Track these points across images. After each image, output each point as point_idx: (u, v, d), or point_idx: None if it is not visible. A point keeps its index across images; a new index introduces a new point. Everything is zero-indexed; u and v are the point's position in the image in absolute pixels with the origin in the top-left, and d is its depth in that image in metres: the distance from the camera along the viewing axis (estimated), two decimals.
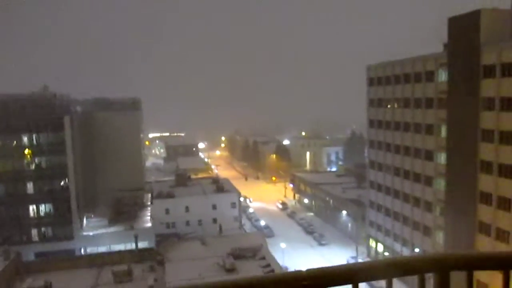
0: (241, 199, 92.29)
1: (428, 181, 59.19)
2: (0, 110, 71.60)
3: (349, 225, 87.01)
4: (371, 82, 73.83)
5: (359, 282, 2.04)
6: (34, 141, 71.50)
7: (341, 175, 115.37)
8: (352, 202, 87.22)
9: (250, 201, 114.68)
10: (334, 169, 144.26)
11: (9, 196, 70.21)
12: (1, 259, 45.57)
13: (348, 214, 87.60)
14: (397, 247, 66.57)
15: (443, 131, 55.87)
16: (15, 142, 70.91)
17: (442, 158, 56.29)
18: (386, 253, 69.60)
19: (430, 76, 58.56)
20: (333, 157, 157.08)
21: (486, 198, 48.12)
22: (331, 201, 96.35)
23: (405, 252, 64.28)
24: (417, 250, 61.75)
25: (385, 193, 70.10)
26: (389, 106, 69.01)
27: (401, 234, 65.80)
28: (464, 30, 50.53)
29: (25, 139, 71.28)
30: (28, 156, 71.13)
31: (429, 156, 58.96)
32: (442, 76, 56.10)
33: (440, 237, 57.11)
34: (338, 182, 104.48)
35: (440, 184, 56.72)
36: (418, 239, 61.38)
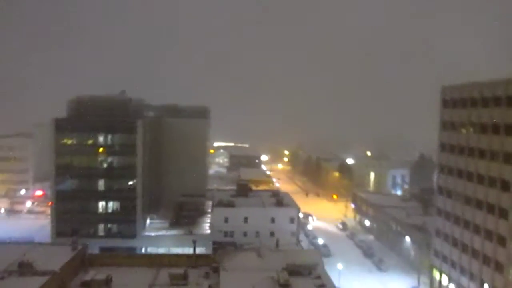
0: (302, 215, 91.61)
1: (503, 213, 54.97)
2: (82, 109, 76.63)
3: (412, 252, 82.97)
4: (445, 103, 70.44)
5: None
6: (108, 141, 75.61)
7: (406, 199, 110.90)
8: (417, 228, 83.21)
9: (313, 219, 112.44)
10: (398, 192, 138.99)
11: (81, 191, 74.54)
12: (69, 249, 48.11)
13: (411, 241, 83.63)
14: (464, 281, 62.29)
15: None
16: (91, 140, 75.38)
17: None
18: (451, 286, 65.40)
19: (511, 100, 54.70)
20: (398, 180, 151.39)
21: None
22: (394, 225, 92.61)
23: (472, 287, 59.99)
24: (486, 286, 57.41)
25: (454, 222, 66.08)
26: (463, 130, 65.34)
27: (469, 267, 61.52)
28: None
29: (101, 138, 75.59)
30: (102, 154, 75.24)
31: (505, 186, 54.82)
32: None
33: None
34: (403, 206, 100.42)
35: None
36: (488, 275, 57.03)
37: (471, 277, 60.75)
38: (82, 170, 74.47)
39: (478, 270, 59.32)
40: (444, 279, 68.10)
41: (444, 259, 68.23)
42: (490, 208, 57.43)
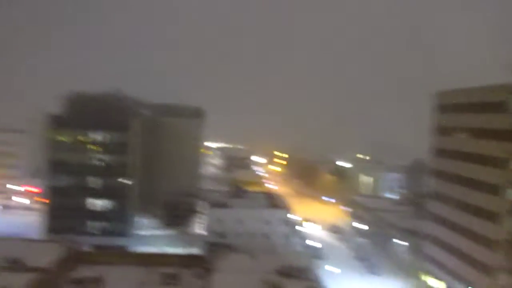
0: (301, 220, 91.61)
1: (494, 218, 55.27)
2: (75, 106, 76.29)
3: (404, 256, 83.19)
4: (439, 109, 70.82)
5: None
6: (102, 139, 75.24)
7: (399, 203, 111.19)
8: (409, 232, 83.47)
9: (312, 225, 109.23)
10: (392, 195, 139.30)
11: (74, 188, 74.12)
12: (61, 246, 47.83)
13: (403, 245, 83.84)
14: (454, 285, 62.58)
15: None
16: (84, 137, 75.02)
17: (510, 194, 52.44)
18: None
19: (503, 106, 55.10)
20: (392, 184, 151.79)
21: None
22: (387, 228, 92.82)
23: None
24: None
25: (445, 227, 66.41)
26: (456, 135, 65.72)
27: (459, 271, 61.82)
28: None
29: (94, 135, 75.23)
30: (95, 152, 74.90)
31: (496, 191, 55.17)
32: None
33: (503, 279, 52.97)
34: (396, 210, 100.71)
35: (508, 222, 52.75)
36: (478, 279, 57.33)
37: (461, 281, 61.05)
38: (75, 167, 74.07)
39: (468, 275, 59.62)
40: (436, 283, 68.37)
41: (435, 263, 68.50)
42: (481, 212, 57.79)
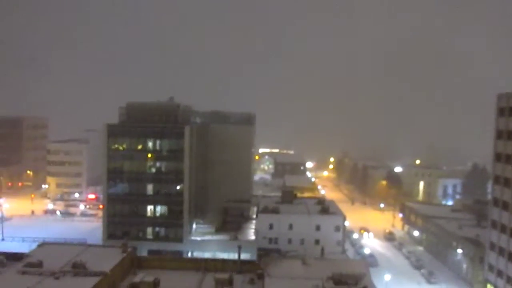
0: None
1: None
2: (133, 115, 79.39)
3: (464, 266, 79.53)
4: (501, 112, 67.35)
5: None
6: (157, 147, 77.79)
7: (458, 210, 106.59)
8: (469, 241, 79.73)
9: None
10: (450, 203, 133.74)
11: (131, 194, 77.00)
12: (120, 251, 49.69)
13: (463, 254, 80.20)
14: None
15: None
16: (141, 146, 77.85)
17: None
18: None
19: None
20: (449, 190, 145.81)
21: None
22: (445, 237, 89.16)
23: None
24: None
25: (509, 236, 62.86)
26: None
27: None
28: None
29: (150, 144, 77.91)
30: (151, 159, 77.50)
31: None
32: None
33: None
34: (454, 218, 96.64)
35: None
36: None
37: None
38: (132, 174, 76.95)
39: None
40: None
41: (499, 274, 64.93)
42: None
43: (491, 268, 67.60)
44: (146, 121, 78.38)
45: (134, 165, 77.38)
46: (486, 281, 68.65)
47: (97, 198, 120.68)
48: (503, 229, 64.78)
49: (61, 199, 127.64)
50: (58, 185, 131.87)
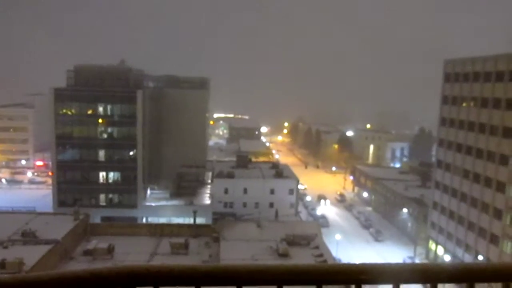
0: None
1: (500, 187, 55.62)
2: (81, 79, 76.23)
3: (409, 224, 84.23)
4: (447, 78, 70.10)
5: (438, 282, 1.92)
6: (108, 112, 75.54)
7: (405, 172, 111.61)
8: (414, 201, 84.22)
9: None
10: (397, 165, 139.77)
11: (82, 161, 74.96)
12: (72, 218, 48.84)
13: (408, 213, 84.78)
14: (459, 252, 63.56)
15: None
16: (91, 110, 75.29)
17: None
18: (446, 257, 66.72)
19: (509, 75, 54.53)
20: (397, 153, 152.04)
21: None
22: (392, 197, 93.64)
23: (467, 258, 61.22)
24: (480, 257, 58.58)
25: (451, 195, 66.89)
26: (464, 104, 65.30)
27: (464, 239, 62.67)
28: None
29: (101, 109, 75.48)
30: (102, 125, 75.33)
31: (503, 160, 55.27)
32: None
33: (508, 247, 53.75)
34: (401, 179, 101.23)
35: None
36: (483, 247, 58.15)
37: (467, 248, 61.95)
38: (82, 140, 74.64)
39: (473, 242, 60.45)
40: (440, 250, 69.45)
41: (441, 231, 69.37)
42: (488, 182, 58.08)
43: (433, 225, 72.03)
44: (95, 85, 75.49)
45: (84, 131, 74.98)
46: (429, 237, 73.23)
47: (45, 165, 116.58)
48: (445, 189, 68.76)
49: (7, 166, 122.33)
50: (3, 152, 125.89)
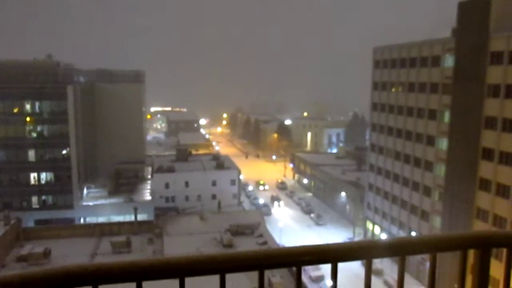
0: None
1: (428, 166, 59.32)
2: (3, 75, 71.35)
3: (347, 207, 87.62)
4: (376, 64, 73.22)
5: (373, 258, 2.03)
6: (37, 109, 71.54)
7: (341, 157, 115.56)
8: (351, 184, 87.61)
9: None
10: (334, 150, 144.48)
11: (10, 162, 70.58)
12: (1, 224, 46.01)
13: (346, 196, 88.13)
14: (394, 230, 67.16)
15: (446, 117, 55.71)
16: (17, 108, 70.91)
17: (443, 144, 56.27)
18: (383, 235, 70.25)
19: (436, 61, 58.09)
20: (334, 139, 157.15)
21: (485, 185, 48.30)
22: (330, 182, 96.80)
23: (402, 235, 64.83)
24: (413, 233, 62.30)
25: (384, 177, 70.36)
26: (393, 89, 68.66)
27: (398, 217, 66.31)
28: (474, 15, 49.83)
29: (28, 106, 71.31)
30: (30, 123, 71.22)
31: (430, 141, 58.95)
32: (449, 61, 55.64)
33: (437, 222, 57.56)
34: (338, 164, 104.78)
35: (440, 169, 56.85)
36: (415, 223, 61.89)
37: (400, 225, 65.62)
38: (9, 140, 70.18)
39: (406, 219, 64.13)
40: (377, 229, 72.99)
41: (376, 211, 72.88)
42: (417, 162, 61.70)
43: (369, 206, 75.50)
44: (21, 82, 71.05)
45: (11, 131, 70.49)
46: (366, 218, 76.69)
47: None
48: (379, 171, 72.18)
49: None
50: None
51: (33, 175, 71.80)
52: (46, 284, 1.63)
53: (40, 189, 71.93)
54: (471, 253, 2.13)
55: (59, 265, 1.70)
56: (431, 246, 2.07)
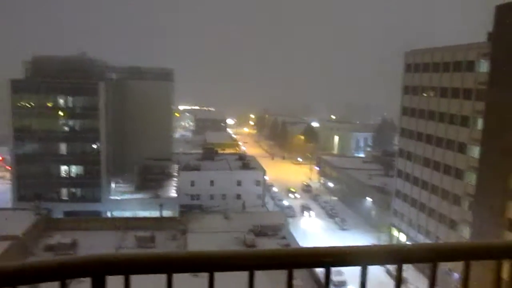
0: (268, 180, 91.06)
1: (459, 174, 57.78)
2: (40, 70, 73.56)
3: (373, 212, 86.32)
4: (408, 68, 71.90)
5: (399, 263, 1.95)
6: (70, 104, 73.35)
7: (368, 162, 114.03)
8: (377, 189, 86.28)
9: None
10: (361, 154, 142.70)
11: (42, 155, 72.57)
12: (32, 214, 47.39)
13: (372, 201, 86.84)
14: (420, 238, 65.70)
15: (479, 124, 54.15)
16: (51, 103, 72.91)
17: (475, 151, 54.71)
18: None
19: (470, 66, 56.56)
20: (361, 143, 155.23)
21: None
22: (356, 186, 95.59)
23: None
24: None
25: (412, 183, 68.95)
26: (424, 94, 67.25)
27: (425, 225, 64.82)
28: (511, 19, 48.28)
29: (61, 101, 73.18)
30: (63, 117, 73.11)
31: (462, 148, 57.40)
32: (483, 66, 54.08)
33: (466, 232, 55.99)
34: (365, 168, 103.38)
35: (471, 178, 55.27)
36: (443, 232, 60.36)
37: (427, 234, 64.12)
38: (42, 133, 72.22)
39: (433, 228, 62.62)
40: (402, 237, 71.58)
41: (403, 218, 71.48)
42: (447, 170, 60.18)
43: (396, 213, 74.12)
44: (55, 77, 73.00)
45: (45, 124, 72.50)
46: (391, 225, 75.33)
47: (3, 159, 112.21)
48: (407, 177, 70.79)
49: None
50: None
51: (63, 168, 73.67)
52: (81, 270, 1.68)
53: (70, 181, 73.74)
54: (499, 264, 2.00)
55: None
56: (465, 253, 1.96)
